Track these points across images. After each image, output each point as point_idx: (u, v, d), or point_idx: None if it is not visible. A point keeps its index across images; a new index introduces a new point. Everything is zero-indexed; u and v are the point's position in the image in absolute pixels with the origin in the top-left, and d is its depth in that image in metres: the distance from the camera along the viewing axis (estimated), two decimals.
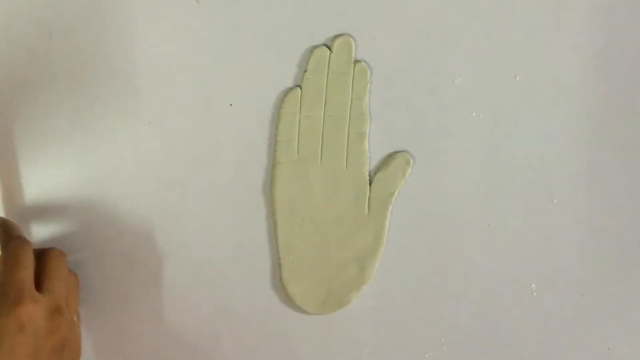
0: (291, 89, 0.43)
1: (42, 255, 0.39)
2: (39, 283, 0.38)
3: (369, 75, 0.43)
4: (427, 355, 0.46)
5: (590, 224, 0.46)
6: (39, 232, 0.43)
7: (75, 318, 0.41)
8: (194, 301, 0.45)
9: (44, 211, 0.43)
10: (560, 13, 0.43)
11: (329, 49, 0.42)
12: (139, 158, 0.43)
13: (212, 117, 0.43)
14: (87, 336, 0.44)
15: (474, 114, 0.44)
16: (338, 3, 0.42)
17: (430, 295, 0.45)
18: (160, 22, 0.41)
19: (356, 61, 0.43)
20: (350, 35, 0.42)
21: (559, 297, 0.46)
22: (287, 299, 0.45)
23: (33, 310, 0.35)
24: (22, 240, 0.38)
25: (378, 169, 0.44)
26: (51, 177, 0.43)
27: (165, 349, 0.45)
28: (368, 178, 0.44)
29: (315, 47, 0.42)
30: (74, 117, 0.42)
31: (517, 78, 0.44)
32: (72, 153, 0.43)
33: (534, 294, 0.46)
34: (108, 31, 0.41)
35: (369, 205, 0.44)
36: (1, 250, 0.38)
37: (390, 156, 0.44)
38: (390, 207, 0.45)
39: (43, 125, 0.42)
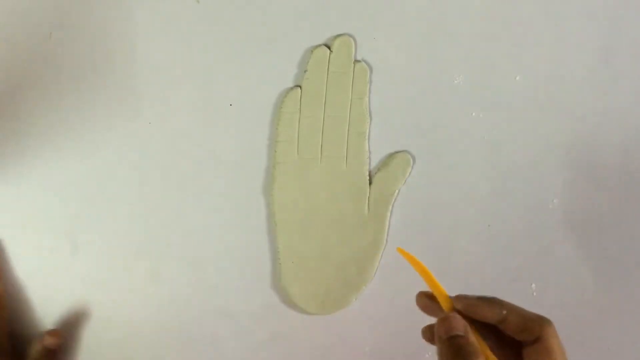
0: (291, 89, 0.43)
1: None
2: None
3: (369, 75, 0.43)
4: (427, 355, 0.46)
5: (590, 224, 0.46)
6: (38, 230, 0.43)
7: None
8: (194, 301, 0.45)
9: (43, 210, 0.43)
10: (560, 13, 0.43)
11: (329, 49, 0.42)
12: (139, 158, 0.43)
13: (212, 117, 0.43)
14: (86, 335, 0.44)
15: (474, 114, 0.44)
16: (338, 3, 0.42)
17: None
18: (160, 22, 0.41)
19: (356, 61, 0.43)
20: (350, 35, 0.42)
21: (559, 297, 0.46)
22: (287, 299, 0.45)
23: None
24: None
25: (378, 169, 0.44)
26: (51, 176, 0.43)
27: (165, 349, 0.45)
28: (368, 178, 0.44)
29: (315, 47, 0.42)
30: (74, 117, 0.42)
31: (517, 78, 0.44)
32: (72, 153, 0.43)
33: (534, 294, 0.46)
34: (108, 31, 0.41)
35: (369, 205, 0.44)
36: None
37: (390, 156, 0.44)
38: (390, 207, 0.45)
39: (43, 125, 0.42)
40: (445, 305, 0.34)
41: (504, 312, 0.33)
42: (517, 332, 0.33)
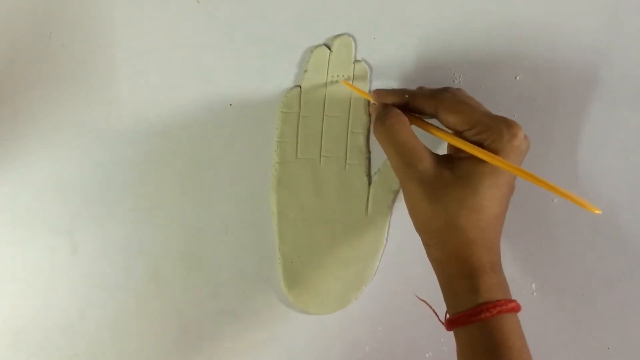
0: (291, 89, 0.43)
1: None
2: None
3: (369, 75, 0.43)
4: (427, 355, 0.46)
5: (590, 224, 0.46)
6: (38, 230, 0.43)
7: None
8: (194, 301, 0.45)
9: (43, 210, 0.43)
10: (560, 12, 0.43)
11: (329, 49, 0.42)
12: (139, 158, 0.43)
13: (212, 117, 0.43)
14: (86, 335, 0.44)
15: None
16: (338, 3, 0.42)
17: (430, 295, 0.45)
18: (160, 22, 0.41)
19: (356, 61, 0.43)
20: (350, 35, 0.42)
21: (559, 297, 0.46)
22: (287, 299, 0.45)
23: None
24: None
25: (378, 169, 0.44)
26: (51, 176, 0.43)
27: (165, 349, 0.45)
28: (368, 178, 0.44)
29: (315, 47, 0.42)
30: (74, 117, 0.42)
31: (518, 78, 0.44)
32: (72, 152, 0.43)
33: (534, 294, 0.46)
34: (108, 31, 0.41)
35: (369, 205, 0.44)
36: None
37: None
38: (390, 207, 0.45)
39: (43, 125, 0.42)
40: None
41: (406, 96, 0.39)
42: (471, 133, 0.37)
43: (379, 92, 0.40)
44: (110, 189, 0.43)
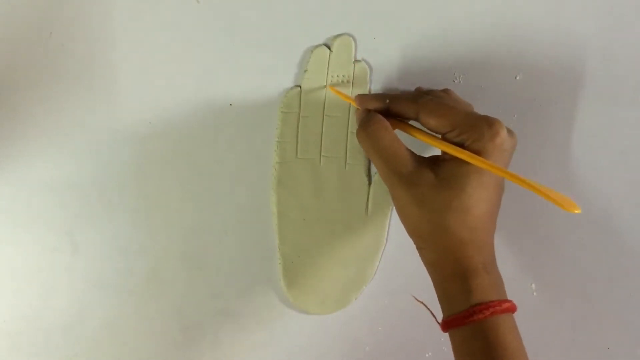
0: (291, 89, 0.43)
1: None
2: None
3: (369, 75, 0.43)
4: (427, 355, 0.46)
5: (590, 224, 0.46)
6: (38, 230, 0.43)
7: None
8: (194, 301, 0.45)
9: (43, 210, 0.43)
10: (561, 12, 0.43)
11: (329, 49, 0.42)
12: (139, 158, 0.43)
13: (212, 117, 0.43)
14: (86, 335, 0.44)
15: None
16: (338, 3, 0.42)
17: (430, 296, 0.45)
18: (160, 22, 0.41)
19: (356, 61, 0.43)
20: (350, 35, 0.42)
21: (559, 297, 0.46)
22: (287, 299, 0.45)
23: None
24: None
25: None
26: (51, 176, 0.43)
27: (165, 349, 0.45)
28: (368, 178, 0.44)
29: (315, 47, 0.42)
30: (74, 117, 0.42)
31: (518, 77, 0.44)
32: (72, 152, 0.43)
33: (534, 294, 0.46)
34: (108, 31, 0.41)
35: (369, 205, 0.44)
36: None
37: None
38: (391, 207, 0.45)
39: (43, 125, 0.42)
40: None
41: (387, 101, 0.39)
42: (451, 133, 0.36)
43: (361, 97, 0.40)
44: (110, 189, 0.43)
